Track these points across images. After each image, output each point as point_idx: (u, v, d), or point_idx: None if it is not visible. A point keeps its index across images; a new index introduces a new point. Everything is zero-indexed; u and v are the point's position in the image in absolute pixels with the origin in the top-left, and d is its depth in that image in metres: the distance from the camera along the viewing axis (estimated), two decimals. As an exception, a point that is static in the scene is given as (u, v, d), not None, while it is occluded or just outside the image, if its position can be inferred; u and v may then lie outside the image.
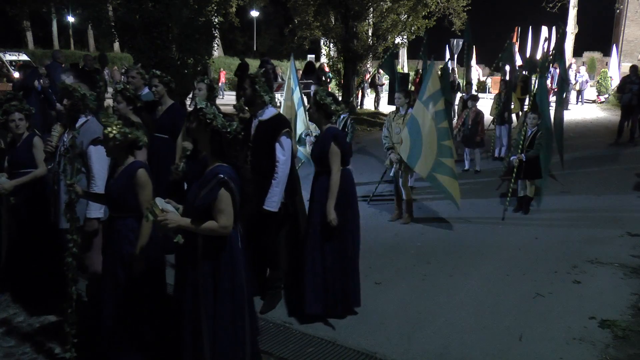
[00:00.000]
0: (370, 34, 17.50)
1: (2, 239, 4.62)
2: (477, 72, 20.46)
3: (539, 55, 17.46)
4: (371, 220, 6.96)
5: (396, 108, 6.95)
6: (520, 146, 7.28)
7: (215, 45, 12.95)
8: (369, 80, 19.95)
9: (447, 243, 6.20)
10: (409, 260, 5.66)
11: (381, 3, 17.00)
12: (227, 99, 21.53)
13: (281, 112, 5.21)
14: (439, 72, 8.48)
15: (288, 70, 7.50)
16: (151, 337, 3.35)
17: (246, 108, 4.62)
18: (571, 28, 27.19)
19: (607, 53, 28.10)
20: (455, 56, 20.54)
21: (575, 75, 20.94)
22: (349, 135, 6.16)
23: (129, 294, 3.29)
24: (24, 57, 23.61)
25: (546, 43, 14.03)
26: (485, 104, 15.52)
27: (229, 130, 3.01)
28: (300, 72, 15.61)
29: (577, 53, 30.25)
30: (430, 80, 6.53)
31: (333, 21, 17.24)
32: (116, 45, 30.33)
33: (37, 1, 33.32)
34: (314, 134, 5.88)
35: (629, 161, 11.04)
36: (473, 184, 8.99)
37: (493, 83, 22.57)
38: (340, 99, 14.47)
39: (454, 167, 6.52)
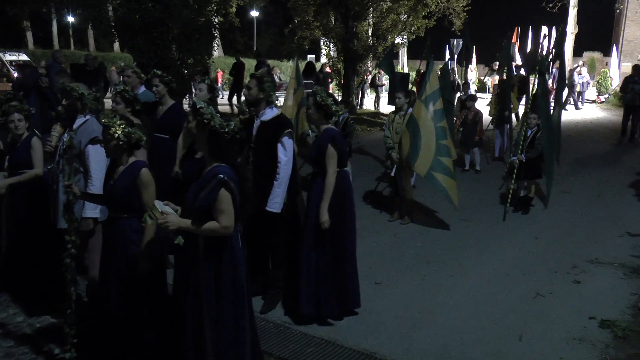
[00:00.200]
0: (370, 34, 17.48)
1: (2, 239, 4.62)
2: (472, 72, 20.41)
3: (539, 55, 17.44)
4: (371, 220, 6.96)
5: (397, 108, 6.93)
6: (520, 146, 7.28)
7: (215, 45, 12.94)
8: (370, 80, 19.95)
9: (447, 243, 6.20)
10: (409, 260, 5.66)
11: (381, 3, 16.98)
12: (225, 99, 21.50)
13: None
14: (439, 72, 8.48)
15: (291, 70, 7.51)
16: (152, 337, 3.35)
17: (247, 109, 4.62)
18: (571, 28, 27.14)
19: (607, 53, 28.06)
20: (455, 56, 20.54)
21: (577, 77, 20.88)
22: (348, 136, 6.16)
23: (134, 294, 3.28)
24: (24, 57, 23.57)
25: (545, 40, 14.01)
26: (484, 104, 15.56)
27: (226, 130, 3.00)
28: (301, 72, 15.56)
29: (577, 53, 30.20)
30: (430, 79, 6.55)
31: (333, 21, 17.22)
32: (116, 45, 30.31)
33: (37, 1, 33.30)
34: (313, 134, 5.89)
35: (629, 161, 11.05)
36: (473, 184, 8.99)
37: (492, 83, 22.54)
38: (340, 99, 14.53)
39: (451, 167, 6.54)
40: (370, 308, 4.48)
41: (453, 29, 21.32)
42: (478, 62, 28.68)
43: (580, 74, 20.40)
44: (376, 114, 17.88)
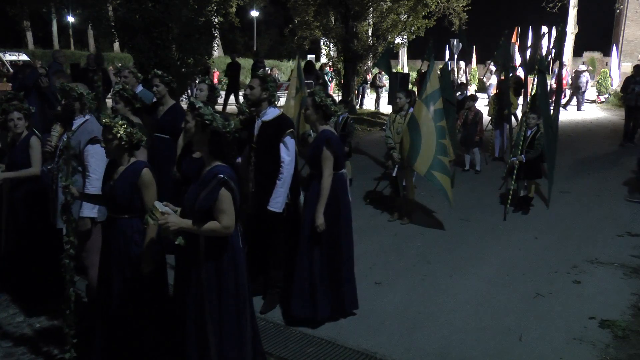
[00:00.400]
0: (370, 34, 17.48)
1: (2, 239, 4.62)
2: (462, 76, 20.36)
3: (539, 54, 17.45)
4: (371, 220, 6.96)
5: (399, 108, 6.91)
6: (520, 147, 7.27)
7: (215, 45, 12.93)
8: (371, 80, 19.94)
9: (447, 243, 6.20)
10: (409, 260, 5.66)
11: (381, 3, 16.98)
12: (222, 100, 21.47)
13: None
14: (439, 72, 8.48)
15: (291, 70, 7.50)
16: (154, 338, 3.35)
17: (246, 109, 4.61)
18: (571, 28, 27.16)
19: (607, 53, 28.10)
20: (455, 56, 20.54)
21: (583, 79, 20.83)
22: (348, 136, 6.16)
23: (136, 294, 3.28)
24: (24, 57, 23.56)
25: (545, 37, 13.99)
26: (484, 104, 15.55)
27: (228, 130, 3.00)
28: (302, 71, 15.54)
29: (577, 53, 30.22)
30: (431, 79, 6.56)
31: (333, 21, 17.23)
32: (116, 45, 30.31)
33: (37, 1, 33.29)
34: (314, 134, 5.88)
35: (629, 161, 11.02)
36: (473, 184, 8.99)
37: (488, 83, 22.53)
38: (340, 98, 14.52)
39: (448, 165, 6.55)
40: (370, 308, 4.48)
41: (453, 29, 21.31)
42: (478, 62, 28.71)
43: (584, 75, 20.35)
44: (376, 114, 17.88)
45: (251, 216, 4.33)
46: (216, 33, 11.93)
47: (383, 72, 16.60)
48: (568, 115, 18.10)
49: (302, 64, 10.01)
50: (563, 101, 21.07)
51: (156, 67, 7.51)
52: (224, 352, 3.05)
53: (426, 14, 17.60)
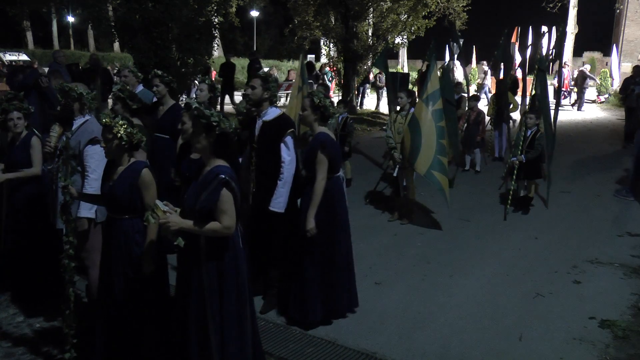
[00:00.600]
0: (370, 34, 17.49)
1: (2, 239, 4.62)
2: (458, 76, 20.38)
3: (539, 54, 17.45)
4: (371, 220, 6.96)
5: (400, 108, 6.92)
6: (519, 147, 7.27)
7: (215, 45, 12.92)
8: (372, 80, 19.93)
9: (447, 243, 6.20)
10: (409, 260, 5.66)
11: (381, 3, 16.99)
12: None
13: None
14: (439, 72, 8.48)
15: (297, 69, 7.50)
16: (155, 338, 3.35)
17: (244, 110, 4.61)
18: (571, 28, 27.18)
19: (607, 53, 28.11)
20: (455, 56, 20.53)
21: (588, 79, 20.81)
22: (348, 136, 6.15)
23: (138, 294, 3.28)
24: (24, 57, 23.59)
25: (545, 37, 14.00)
26: (483, 104, 15.55)
27: (232, 130, 3.00)
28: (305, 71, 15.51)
29: (577, 53, 30.25)
30: (431, 79, 6.56)
31: (333, 21, 17.23)
32: (116, 45, 30.32)
33: (37, 1, 33.31)
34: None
35: (629, 161, 11.02)
36: (473, 184, 8.99)
37: (492, 83, 22.54)
38: (340, 98, 14.52)
39: (446, 165, 6.56)
40: (370, 308, 4.48)
41: (451, 28, 21.30)
42: (478, 62, 28.72)
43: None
44: (376, 114, 17.89)
45: (252, 216, 4.33)
46: (216, 33, 11.93)
47: (383, 73, 16.61)
48: (568, 115, 18.10)
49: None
50: (566, 101, 21.09)
51: (156, 67, 7.51)
52: (225, 352, 3.05)
53: (426, 14, 17.60)
